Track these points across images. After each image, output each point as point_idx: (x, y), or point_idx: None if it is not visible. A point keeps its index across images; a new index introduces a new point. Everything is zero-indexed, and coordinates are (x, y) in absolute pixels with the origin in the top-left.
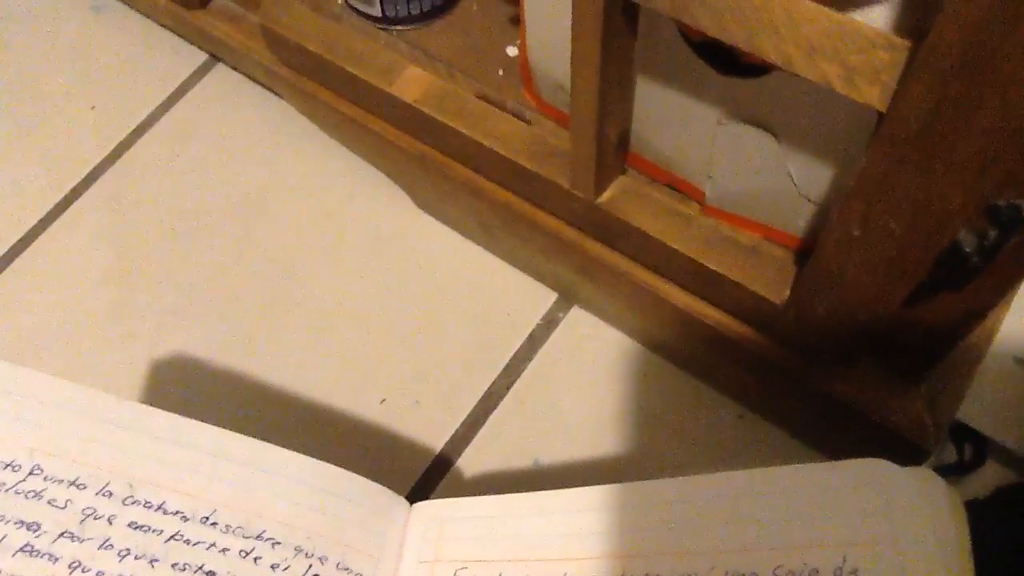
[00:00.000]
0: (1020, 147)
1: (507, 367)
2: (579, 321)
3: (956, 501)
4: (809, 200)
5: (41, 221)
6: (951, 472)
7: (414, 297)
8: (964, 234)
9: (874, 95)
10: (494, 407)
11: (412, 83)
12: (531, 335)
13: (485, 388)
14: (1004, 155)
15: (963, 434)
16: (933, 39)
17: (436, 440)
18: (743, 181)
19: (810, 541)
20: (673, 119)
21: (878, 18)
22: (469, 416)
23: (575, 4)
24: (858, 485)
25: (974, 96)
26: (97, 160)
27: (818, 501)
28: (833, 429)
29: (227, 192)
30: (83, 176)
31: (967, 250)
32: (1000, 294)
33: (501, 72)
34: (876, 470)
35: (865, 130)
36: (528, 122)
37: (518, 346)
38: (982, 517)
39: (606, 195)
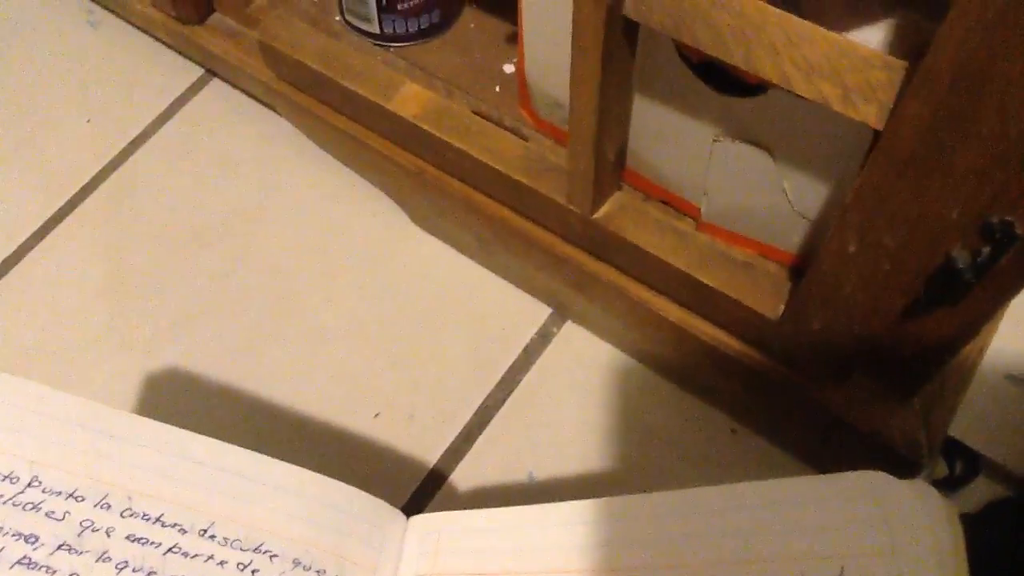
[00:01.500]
0: (1015, 165)
1: (501, 381)
2: (573, 335)
3: (953, 514)
4: (804, 217)
5: (36, 233)
6: (943, 487)
7: (409, 311)
8: (958, 250)
9: (871, 114)
10: (488, 421)
11: (410, 99)
12: (525, 349)
13: (479, 402)
14: (999, 173)
15: (955, 449)
16: (929, 60)
17: (430, 454)
18: (738, 198)
19: (807, 553)
20: (669, 137)
21: (875, 39)
22: (463, 430)
23: (575, 23)
24: (855, 497)
25: (969, 115)
26: (93, 173)
27: (815, 513)
28: (826, 443)
29: (223, 206)
30: (78, 189)
31: (961, 266)
32: (992, 310)
33: (498, 89)
34: (873, 482)
35: (860, 149)
36: (525, 138)
37: (512, 360)
38: (973, 531)
39: (602, 211)
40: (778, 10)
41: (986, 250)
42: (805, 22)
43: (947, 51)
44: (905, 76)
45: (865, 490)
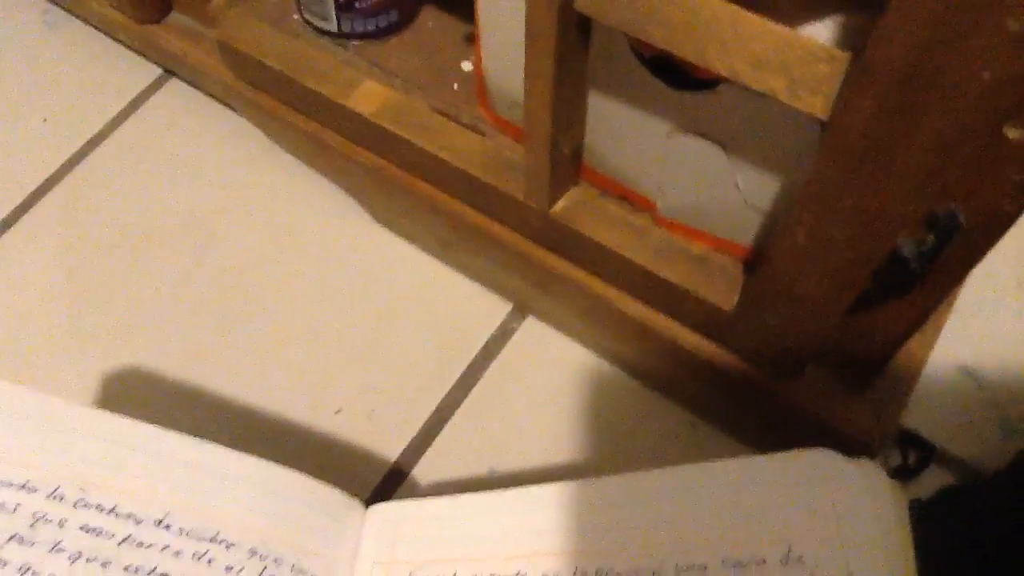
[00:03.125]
0: (960, 157)
1: (462, 378)
2: (534, 332)
3: (897, 491)
4: (757, 211)
5: None
6: (897, 475)
7: (370, 309)
8: (903, 241)
9: (817, 105)
10: (449, 417)
11: (368, 97)
12: (486, 346)
13: (440, 398)
14: (944, 165)
15: (908, 439)
16: (870, 53)
17: (392, 450)
18: (693, 193)
19: (756, 532)
20: (625, 132)
21: (826, 35)
22: (424, 426)
23: (529, 19)
24: (802, 476)
25: (914, 108)
26: (48, 173)
27: (764, 491)
28: (782, 436)
29: (182, 206)
30: (35, 188)
31: (907, 256)
32: (939, 299)
33: (456, 87)
34: (820, 460)
35: (811, 143)
36: (483, 135)
37: (473, 357)
38: (925, 517)
39: (559, 206)
40: (728, 4)
41: (931, 240)
42: (754, 16)
43: (887, 45)
44: (849, 68)
45: (812, 469)
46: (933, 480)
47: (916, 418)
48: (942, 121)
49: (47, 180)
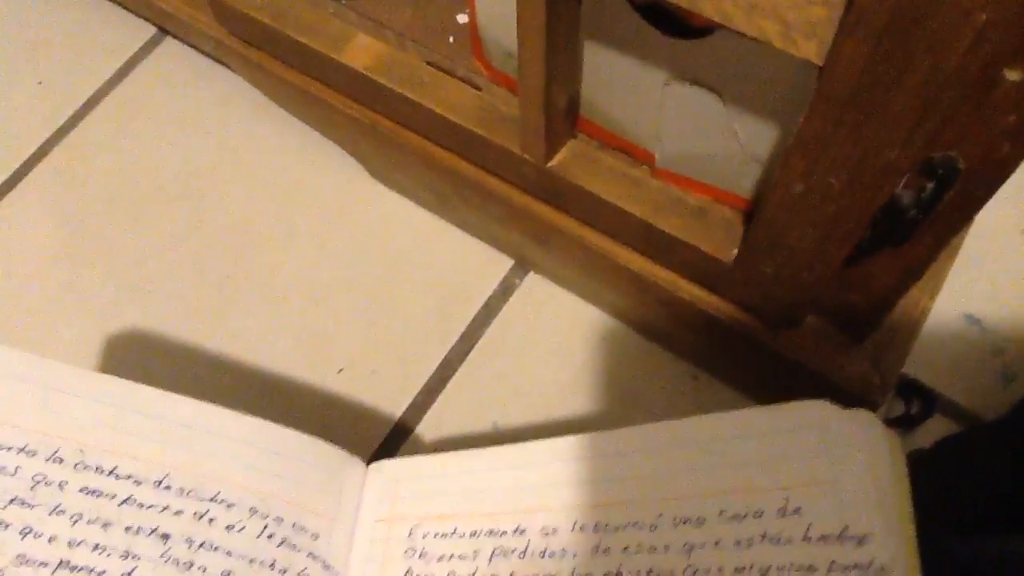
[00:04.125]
0: (952, 100)
1: (464, 334)
2: (535, 287)
3: (894, 441)
4: (756, 160)
5: None
6: (899, 424)
7: (370, 267)
8: (902, 188)
9: (811, 50)
10: (452, 374)
11: (362, 51)
12: (487, 302)
13: (443, 355)
14: (936, 108)
15: (911, 388)
16: None
17: (395, 408)
18: (691, 143)
19: (754, 484)
20: (621, 83)
21: None
22: (427, 383)
23: None
24: (799, 427)
25: (905, 51)
26: (46, 136)
27: (761, 444)
28: (782, 386)
29: (179, 166)
30: (32, 152)
31: (905, 203)
32: (939, 248)
33: (451, 40)
34: (817, 412)
35: (808, 90)
36: (479, 88)
37: (475, 313)
38: (926, 467)
39: (556, 159)
40: None
41: (930, 187)
42: None
43: None
44: (844, 11)
45: (808, 420)
46: (937, 429)
47: (919, 367)
48: (936, 63)
49: (44, 143)
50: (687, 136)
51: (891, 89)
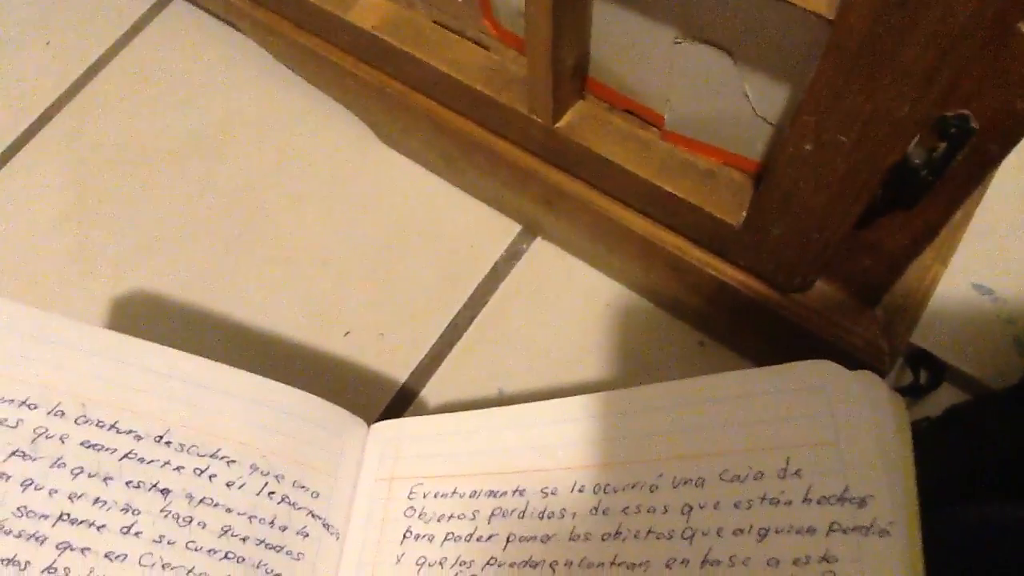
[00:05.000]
0: (965, 55)
1: (471, 299)
2: (542, 252)
3: (898, 403)
4: (766, 121)
5: None
6: (908, 394)
7: (377, 230)
8: (914, 148)
9: (821, 3)
10: (458, 338)
11: (369, 10)
12: (494, 267)
13: (449, 319)
14: (947, 64)
15: (920, 358)
16: None
17: (401, 371)
18: (701, 104)
19: (754, 445)
20: (629, 42)
21: None
22: (433, 347)
23: None
24: (801, 388)
25: (915, 4)
26: (53, 98)
27: (763, 404)
28: (790, 353)
29: (187, 128)
30: (39, 114)
31: (916, 163)
32: (950, 212)
33: None
34: (820, 372)
35: (819, 48)
36: (487, 48)
37: (481, 278)
38: (934, 434)
39: (564, 121)
40: None
41: (942, 146)
42: None
43: None
44: None
45: (811, 381)
46: (946, 399)
47: (929, 337)
48: (947, 14)
49: (52, 104)
50: (697, 97)
51: (902, 42)
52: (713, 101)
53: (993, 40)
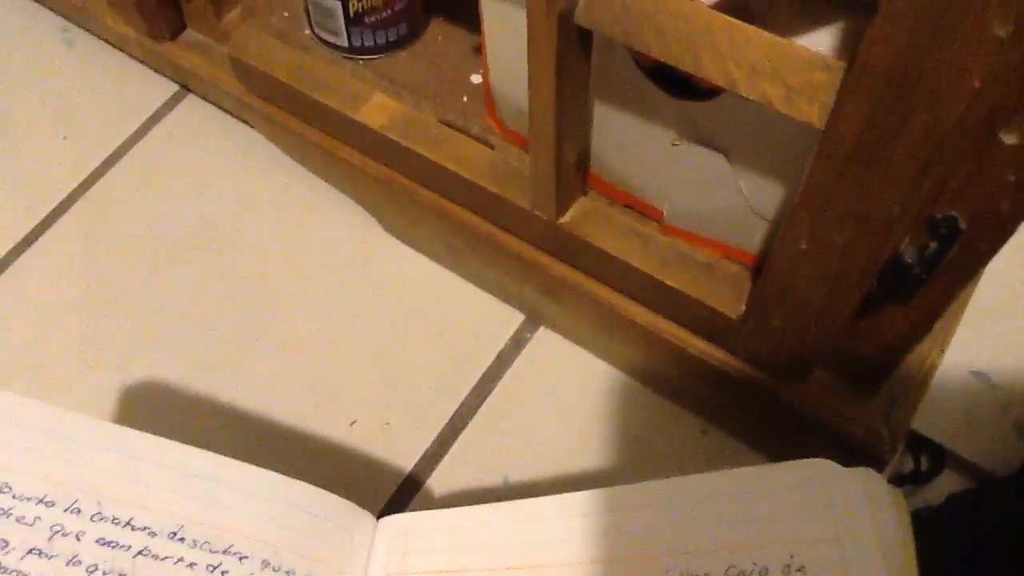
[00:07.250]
0: (950, 158)
1: (476, 387)
2: (546, 341)
3: (898, 498)
4: (762, 217)
5: (13, 249)
6: (909, 481)
7: (383, 320)
8: (906, 246)
9: (813, 114)
10: (463, 427)
11: (378, 110)
12: (499, 355)
13: (454, 408)
14: (935, 166)
15: (920, 444)
16: (861, 58)
17: (406, 460)
18: (699, 200)
19: (759, 541)
20: (630, 141)
21: (825, 42)
22: (439, 436)
23: (529, 32)
24: (803, 485)
25: (903, 111)
26: (69, 189)
27: (766, 501)
28: (792, 441)
29: (198, 220)
30: (55, 205)
31: (909, 261)
32: (944, 304)
33: (465, 99)
34: (821, 470)
35: (811, 149)
36: (491, 146)
37: (486, 367)
38: (936, 523)
39: (567, 216)
40: (722, 14)
41: (933, 245)
42: (748, 26)
43: (877, 48)
44: (844, 75)
45: (812, 478)
46: (948, 485)
47: (929, 423)
48: (933, 125)
49: (68, 196)
50: (695, 194)
51: (891, 147)
52: (710, 198)
53: (978, 146)
